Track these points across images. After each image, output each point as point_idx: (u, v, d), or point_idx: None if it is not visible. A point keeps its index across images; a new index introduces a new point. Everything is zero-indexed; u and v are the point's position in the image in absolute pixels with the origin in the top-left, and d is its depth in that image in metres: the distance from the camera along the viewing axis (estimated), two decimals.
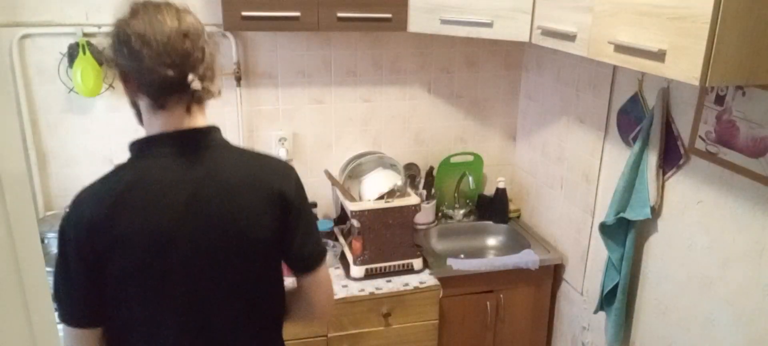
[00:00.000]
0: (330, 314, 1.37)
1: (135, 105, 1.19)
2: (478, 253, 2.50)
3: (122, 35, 1.10)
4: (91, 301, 1.14)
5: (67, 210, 1.13)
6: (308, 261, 1.27)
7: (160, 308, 1.16)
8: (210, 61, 1.14)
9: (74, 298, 1.14)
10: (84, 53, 2.04)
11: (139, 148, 1.16)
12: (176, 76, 1.09)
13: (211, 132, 1.20)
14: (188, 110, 1.15)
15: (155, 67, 1.07)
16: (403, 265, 2.15)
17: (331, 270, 2.17)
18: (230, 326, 1.21)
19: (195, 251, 1.14)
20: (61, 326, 1.10)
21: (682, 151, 1.67)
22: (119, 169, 1.15)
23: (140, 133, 1.19)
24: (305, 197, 1.27)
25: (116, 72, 1.16)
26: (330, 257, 2.19)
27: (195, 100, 1.14)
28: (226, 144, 1.22)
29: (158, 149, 1.15)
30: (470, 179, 2.51)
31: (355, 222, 2.08)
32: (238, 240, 1.16)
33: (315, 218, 1.33)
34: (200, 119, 1.18)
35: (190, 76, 1.10)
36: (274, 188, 1.19)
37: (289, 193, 1.21)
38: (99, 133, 2.20)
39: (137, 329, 1.18)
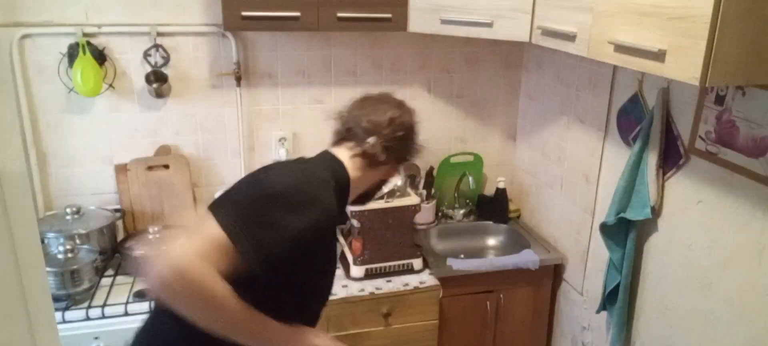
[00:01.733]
0: None
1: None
2: (478, 253, 2.50)
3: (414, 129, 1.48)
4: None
5: None
6: None
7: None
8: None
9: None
10: (84, 53, 2.04)
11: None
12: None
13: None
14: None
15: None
16: (403, 265, 2.15)
17: None
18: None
19: None
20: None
21: (682, 151, 1.67)
22: None
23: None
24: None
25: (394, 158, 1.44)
26: None
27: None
28: None
29: None
30: (470, 178, 2.51)
31: (355, 222, 2.08)
32: None
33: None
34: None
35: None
36: None
37: None
38: (99, 133, 2.20)
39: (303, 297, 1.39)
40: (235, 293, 1.10)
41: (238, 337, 1.16)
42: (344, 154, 1.40)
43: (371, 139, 1.36)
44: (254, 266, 1.09)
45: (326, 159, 1.39)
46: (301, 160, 1.40)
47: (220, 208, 1.14)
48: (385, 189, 2.02)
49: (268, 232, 1.13)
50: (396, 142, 1.39)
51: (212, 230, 1.08)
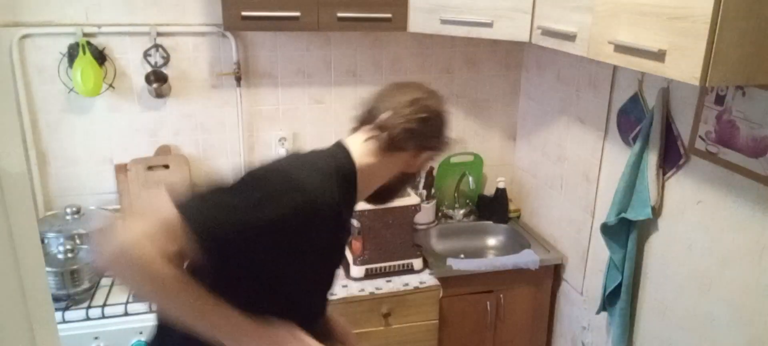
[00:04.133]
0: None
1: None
2: (478, 253, 2.50)
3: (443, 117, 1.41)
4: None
5: None
6: None
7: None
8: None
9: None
10: (84, 53, 2.04)
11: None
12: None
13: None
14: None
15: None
16: (403, 265, 2.15)
17: None
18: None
19: None
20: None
21: (682, 151, 1.67)
22: None
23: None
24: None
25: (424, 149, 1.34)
26: None
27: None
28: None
29: None
30: (470, 178, 2.51)
31: (355, 222, 2.08)
32: None
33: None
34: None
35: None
36: None
37: None
38: (99, 133, 2.20)
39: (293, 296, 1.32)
40: (188, 277, 1.04)
41: (201, 328, 1.07)
42: (358, 139, 1.29)
43: (385, 115, 1.25)
44: (196, 249, 1.01)
45: (333, 147, 1.28)
46: (311, 152, 1.27)
47: (187, 192, 1.07)
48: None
49: (223, 214, 1.04)
50: (418, 124, 1.26)
51: (166, 210, 1.01)
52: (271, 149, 2.39)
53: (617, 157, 1.96)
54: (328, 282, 1.38)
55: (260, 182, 1.11)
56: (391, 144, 1.26)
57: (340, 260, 1.45)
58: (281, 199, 1.08)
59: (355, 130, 1.33)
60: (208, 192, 1.08)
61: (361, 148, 1.27)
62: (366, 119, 1.30)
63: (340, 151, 1.27)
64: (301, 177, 1.13)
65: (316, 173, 1.16)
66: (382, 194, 1.37)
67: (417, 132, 1.27)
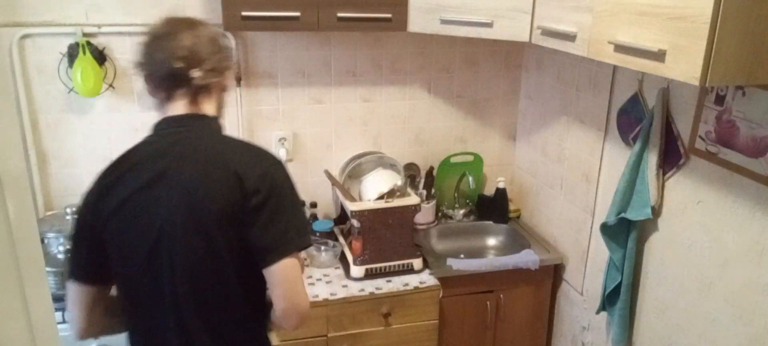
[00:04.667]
0: (295, 320, 1.27)
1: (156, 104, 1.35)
2: (478, 253, 2.50)
3: (148, 37, 1.29)
4: (84, 261, 1.31)
5: None
6: (265, 253, 1.24)
7: (132, 272, 1.28)
8: (215, 60, 1.30)
9: (73, 256, 1.33)
10: (84, 53, 2.04)
11: (150, 131, 1.33)
12: (182, 68, 1.25)
13: (206, 118, 1.32)
14: (193, 102, 1.30)
15: (167, 60, 1.25)
16: (403, 265, 2.15)
17: (331, 270, 2.17)
18: (180, 305, 1.26)
19: (152, 217, 1.24)
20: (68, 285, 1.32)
21: (682, 151, 1.67)
22: (128, 149, 1.32)
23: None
24: (278, 188, 1.25)
25: (141, 74, 1.32)
26: (328, 257, 2.20)
27: (200, 90, 1.30)
28: (219, 130, 1.34)
29: (157, 130, 1.31)
30: (470, 178, 2.51)
31: (355, 222, 2.08)
32: (191, 209, 1.22)
33: (293, 213, 1.28)
34: (203, 109, 1.32)
35: (192, 72, 1.26)
36: (230, 167, 1.23)
37: (249, 177, 1.22)
38: (99, 134, 2.20)
39: (122, 294, 1.34)
40: None
41: None
42: (207, 103, 1.32)
43: (202, 66, 1.27)
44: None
45: (211, 122, 1.33)
46: (227, 136, 1.35)
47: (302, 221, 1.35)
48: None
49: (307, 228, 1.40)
50: (225, 51, 1.35)
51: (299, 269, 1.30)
52: (271, 149, 2.39)
53: (617, 158, 1.96)
54: None
55: (291, 189, 1.31)
56: (226, 84, 1.37)
57: None
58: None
59: (181, 93, 1.29)
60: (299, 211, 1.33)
61: (213, 107, 1.34)
62: (181, 78, 1.27)
63: (212, 122, 1.33)
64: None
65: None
66: None
67: (227, 58, 1.36)
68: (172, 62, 1.24)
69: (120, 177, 1.27)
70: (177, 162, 1.24)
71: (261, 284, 1.28)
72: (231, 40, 2.21)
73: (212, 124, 1.33)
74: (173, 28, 1.28)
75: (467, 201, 2.64)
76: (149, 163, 1.25)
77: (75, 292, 1.31)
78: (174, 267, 1.23)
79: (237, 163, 1.24)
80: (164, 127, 1.30)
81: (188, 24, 1.30)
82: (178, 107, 1.29)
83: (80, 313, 1.32)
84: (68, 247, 1.35)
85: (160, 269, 1.24)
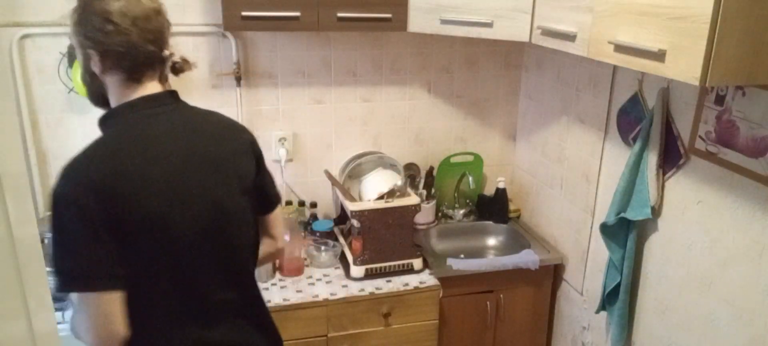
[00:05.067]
0: (284, 252, 1.65)
1: (95, 83, 1.27)
2: (478, 253, 2.50)
3: (101, 12, 1.17)
4: (112, 262, 1.14)
5: (61, 181, 1.14)
6: (273, 200, 1.48)
7: (179, 253, 1.21)
8: (168, 35, 1.28)
9: (94, 263, 1.13)
10: None
11: (118, 112, 1.24)
12: (156, 50, 1.23)
13: (176, 94, 1.32)
14: (160, 80, 1.28)
15: (140, 43, 1.19)
16: (403, 265, 2.15)
17: (331, 270, 2.18)
18: (240, 257, 1.36)
19: (205, 196, 1.23)
20: (74, 296, 1.17)
21: (682, 151, 1.67)
22: (108, 136, 1.22)
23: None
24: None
25: (89, 50, 1.20)
26: (328, 257, 2.20)
27: (173, 71, 1.32)
28: (186, 103, 1.34)
29: (137, 111, 1.23)
30: (470, 178, 2.51)
31: (355, 222, 2.08)
32: (232, 181, 1.29)
33: None
34: (167, 86, 1.32)
35: (167, 51, 1.26)
36: (245, 138, 1.37)
37: (256, 143, 1.40)
38: (99, 134, 2.20)
39: (136, 289, 1.18)
40: None
41: None
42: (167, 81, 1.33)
43: (168, 48, 1.27)
44: None
45: (179, 101, 1.33)
46: (211, 112, 1.38)
47: None
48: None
49: None
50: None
51: None
52: (272, 149, 2.39)
53: (617, 158, 1.96)
54: None
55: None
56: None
57: None
58: None
59: (150, 74, 1.26)
60: None
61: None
62: (153, 59, 1.24)
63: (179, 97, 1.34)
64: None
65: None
66: None
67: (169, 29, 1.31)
68: (147, 45, 1.20)
69: (131, 165, 1.15)
70: (195, 137, 1.26)
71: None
72: (231, 40, 2.22)
73: (179, 99, 1.33)
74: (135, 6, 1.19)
75: (467, 201, 2.64)
76: (166, 146, 1.21)
77: (104, 303, 1.14)
78: (228, 239, 1.29)
79: (243, 131, 1.38)
80: (145, 107, 1.23)
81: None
82: (152, 87, 1.25)
83: (116, 323, 1.15)
84: (73, 254, 1.13)
85: (214, 244, 1.26)
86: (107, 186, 1.11)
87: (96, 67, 1.22)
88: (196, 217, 1.21)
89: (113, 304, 1.14)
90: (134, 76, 1.22)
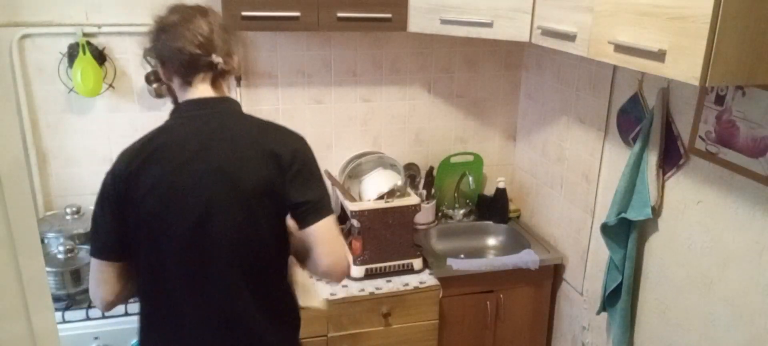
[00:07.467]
0: (339, 272, 1.42)
1: (170, 89, 1.42)
2: (478, 253, 2.50)
3: (158, 22, 1.36)
4: (112, 240, 1.34)
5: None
6: (305, 215, 1.37)
7: (172, 245, 1.32)
8: (227, 46, 1.38)
9: (100, 235, 1.35)
10: (84, 53, 2.04)
11: (171, 113, 1.39)
12: (202, 54, 1.33)
13: (228, 100, 1.41)
14: (213, 85, 1.38)
15: (187, 47, 1.32)
16: (403, 265, 2.15)
17: None
18: (225, 270, 1.35)
19: (196, 195, 1.30)
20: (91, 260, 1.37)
21: (682, 151, 1.67)
22: (154, 131, 1.35)
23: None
24: (306, 160, 1.40)
25: (155, 61, 1.39)
26: None
27: (218, 75, 1.38)
28: (241, 111, 1.43)
29: (182, 112, 1.36)
30: (470, 178, 2.51)
31: (355, 222, 2.08)
32: (233, 186, 1.31)
33: (322, 182, 1.44)
34: (222, 92, 1.41)
35: (214, 56, 1.34)
36: (266, 147, 1.35)
37: (284, 154, 1.35)
38: (99, 133, 2.21)
39: (147, 272, 1.36)
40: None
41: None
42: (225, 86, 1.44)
43: (220, 54, 1.37)
44: None
45: (232, 104, 1.42)
46: (249, 116, 1.44)
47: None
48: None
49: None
50: (230, 33, 1.42)
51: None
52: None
53: (617, 158, 1.96)
54: None
55: (316, 162, 1.43)
56: (235, 67, 1.45)
57: None
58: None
59: (200, 78, 1.38)
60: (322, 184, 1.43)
61: (228, 89, 1.45)
62: (201, 63, 1.35)
63: (234, 103, 1.43)
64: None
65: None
66: None
67: (236, 43, 1.46)
68: (192, 48, 1.32)
69: (151, 156, 1.30)
70: (213, 142, 1.32)
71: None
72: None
73: (234, 105, 1.41)
74: (187, 15, 1.35)
75: (467, 201, 2.64)
76: (184, 144, 1.31)
77: (101, 270, 1.35)
78: (219, 237, 1.32)
79: (271, 142, 1.36)
80: (189, 109, 1.36)
81: (201, 11, 1.37)
82: (201, 91, 1.36)
83: (106, 288, 1.37)
84: (93, 225, 1.36)
85: (204, 241, 1.32)
86: (120, 177, 1.30)
87: (162, 75, 1.40)
88: (187, 213, 1.30)
89: (107, 272, 1.35)
90: (187, 80, 1.36)
